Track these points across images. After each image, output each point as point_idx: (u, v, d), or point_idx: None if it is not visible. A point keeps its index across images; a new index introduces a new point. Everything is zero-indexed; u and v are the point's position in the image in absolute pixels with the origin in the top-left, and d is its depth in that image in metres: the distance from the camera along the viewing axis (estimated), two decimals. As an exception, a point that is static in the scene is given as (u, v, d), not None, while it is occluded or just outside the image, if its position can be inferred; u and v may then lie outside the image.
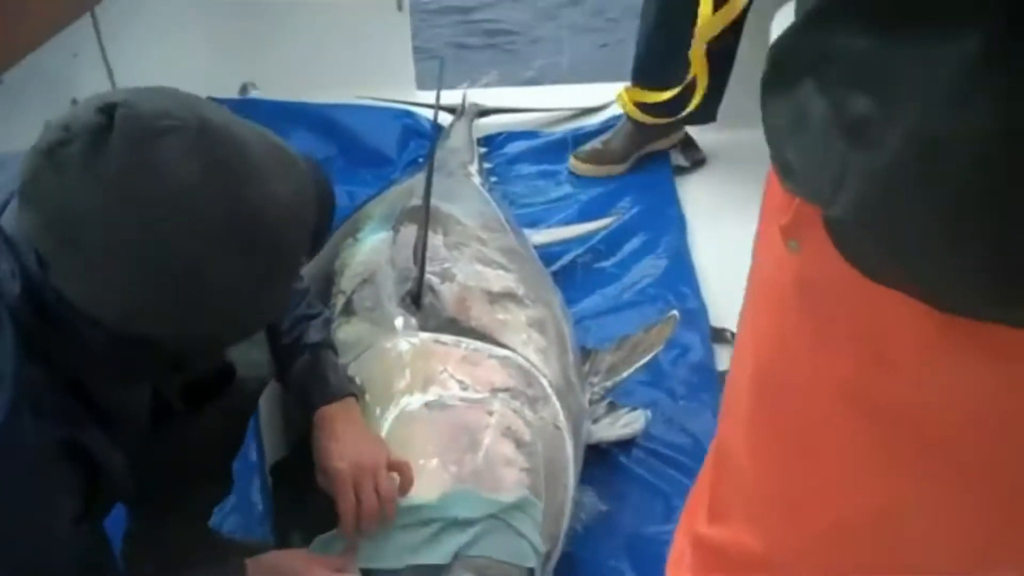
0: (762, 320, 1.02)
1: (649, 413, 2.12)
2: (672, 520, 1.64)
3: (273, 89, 3.31)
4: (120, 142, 1.09)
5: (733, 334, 2.32)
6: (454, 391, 1.68)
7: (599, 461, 2.04)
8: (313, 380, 1.60)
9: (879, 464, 0.93)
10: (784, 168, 0.91)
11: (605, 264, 2.66)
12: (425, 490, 1.54)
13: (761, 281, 1.03)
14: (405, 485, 1.54)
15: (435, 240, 2.04)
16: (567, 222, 2.79)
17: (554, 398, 1.79)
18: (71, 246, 1.12)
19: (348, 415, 1.58)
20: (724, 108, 2.91)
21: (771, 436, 1.02)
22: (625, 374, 2.07)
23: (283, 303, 1.47)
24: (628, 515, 1.99)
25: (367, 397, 1.66)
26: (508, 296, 1.95)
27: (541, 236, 2.59)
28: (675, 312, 2.16)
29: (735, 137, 2.91)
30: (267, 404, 1.80)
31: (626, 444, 2.10)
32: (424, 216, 1.95)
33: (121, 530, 1.73)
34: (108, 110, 1.10)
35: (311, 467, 1.55)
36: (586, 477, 1.91)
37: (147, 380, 1.39)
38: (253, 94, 3.37)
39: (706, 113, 2.86)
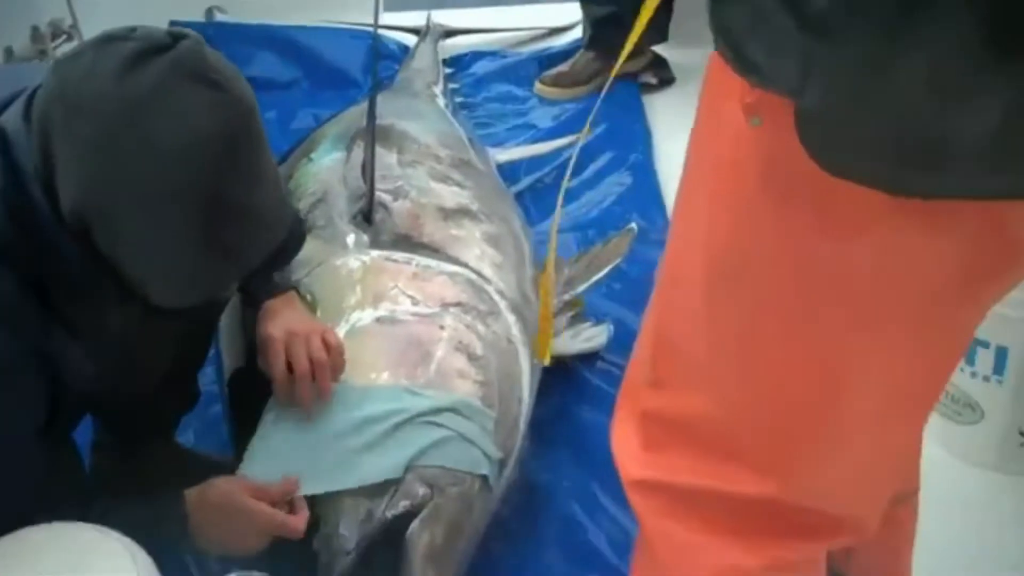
0: (720, 200, 1.03)
1: (611, 327, 2.11)
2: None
3: (238, 12, 3.28)
4: (168, 64, 1.17)
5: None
6: (405, 306, 1.69)
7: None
8: (259, 281, 1.60)
9: (833, 329, 0.98)
10: (746, 66, 0.92)
11: (571, 183, 2.65)
12: (376, 403, 1.56)
13: (713, 162, 1.04)
14: (338, 366, 1.55)
15: (389, 158, 2.03)
16: (534, 142, 2.78)
17: (507, 312, 1.79)
18: (75, 116, 1.18)
19: (288, 303, 1.61)
20: (696, 26, 2.87)
21: (731, 313, 1.04)
22: (582, 287, 2.06)
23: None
24: (589, 431, 1.98)
25: (318, 313, 1.66)
26: (462, 212, 1.95)
27: (505, 154, 2.58)
28: (633, 225, 2.16)
29: (705, 55, 2.90)
30: (227, 319, 1.80)
31: (588, 358, 2.10)
32: (370, 132, 1.93)
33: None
34: (177, 36, 1.20)
35: (267, 378, 1.57)
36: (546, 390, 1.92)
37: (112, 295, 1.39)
38: (219, 17, 3.33)
39: (656, 31, 2.82)
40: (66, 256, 1.25)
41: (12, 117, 1.25)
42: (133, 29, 1.21)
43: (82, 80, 1.19)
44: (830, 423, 1.04)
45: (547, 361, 1.56)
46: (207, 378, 1.87)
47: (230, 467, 1.61)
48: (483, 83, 3.10)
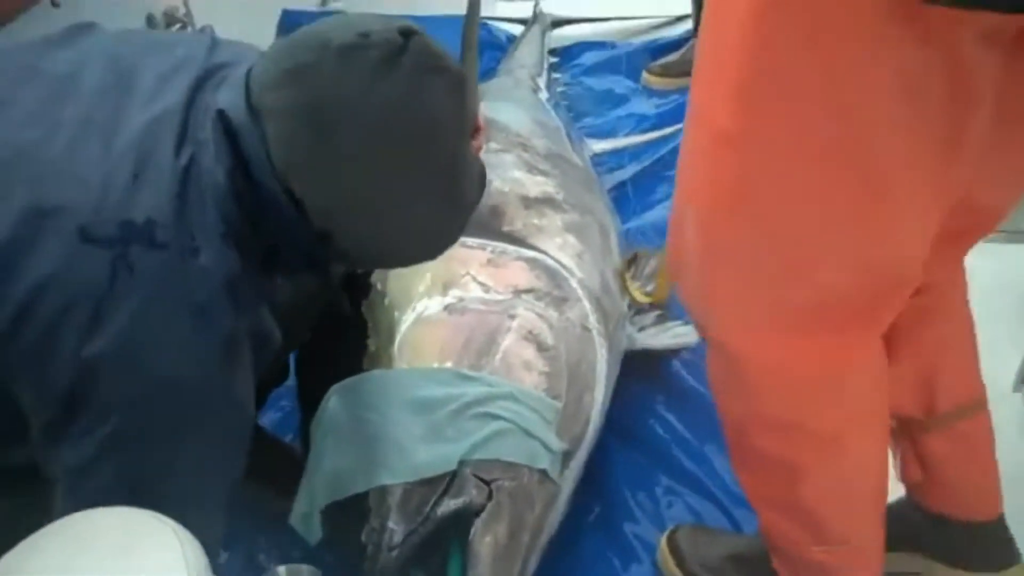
0: (742, 35, 1.07)
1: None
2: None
3: (354, 1, 3.31)
4: (410, 64, 1.24)
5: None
6: (475, 293, 1.66)
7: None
8: None
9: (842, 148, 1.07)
10: None
11: (670, 174, 2.59)
12: (431, 387, 1.54)
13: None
14: None
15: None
16: (636, 132, 2.72)
17: (585, 300, 1.75)
18: (327, 131, 1.23)
19: None
20: None
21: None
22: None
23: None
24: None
25: (386, 301, 1.66)
26: (546, 201, 1.91)
27: (601, 145, 2.54)
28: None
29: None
30: None
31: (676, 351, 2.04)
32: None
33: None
34: (406, 33, 1.25)
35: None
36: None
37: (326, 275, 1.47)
38: (333, 6, 3.38)
39: None
40: (296, 239, 1.31)
41: (234, 108, 1.27)
42: (366, 35, 1.24)
43: (334, 94, 1.23)
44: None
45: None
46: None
47: (298, 457, 1.64)
48: (590, 73, 3.04)
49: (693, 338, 2.02)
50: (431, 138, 1.27)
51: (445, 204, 1.34)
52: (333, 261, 1.39)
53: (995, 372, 1.89)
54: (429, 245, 1.39)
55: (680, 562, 1.67)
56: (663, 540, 1.71)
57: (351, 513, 1.50)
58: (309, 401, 1.66)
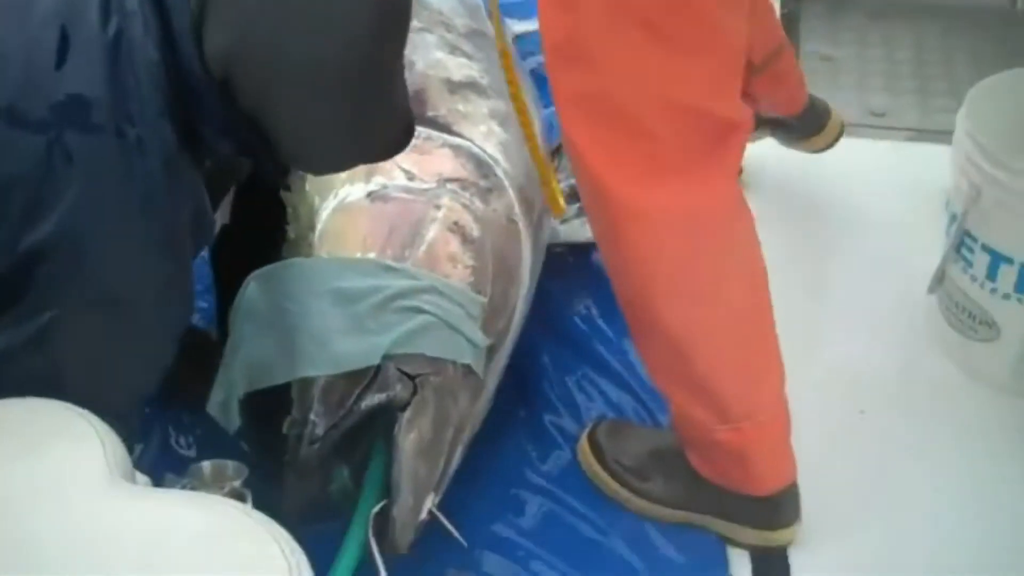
0: None
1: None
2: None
3: None
4: None
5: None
6: (399, 181, 1.61)
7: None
8: None
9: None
10: None
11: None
12: (353, 278, 1.50)
13: None
14: None
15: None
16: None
17: (510, 190, 1.71)
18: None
19: None
20: None
21: None
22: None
23: None
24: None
25: (307, 187, 1.60)
26: (470, 86, 1.85)
27: (522, 26, 2.45)
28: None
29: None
30: None
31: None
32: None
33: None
34: None
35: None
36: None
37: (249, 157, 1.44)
38: None
39: None
40: (210, 110, 1.25)
41: None
42: None
43: None
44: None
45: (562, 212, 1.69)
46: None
47: (212, 341, 1.60)
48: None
49: None
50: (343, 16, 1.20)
51: (348, 100, 1.26)
52: (258, 151, 1.33)
53: (910, 274, 1.93)
54: (323, 144, 1.32)
55: (600, 458, 1.68)
56: (583, 437, 1.72)
57: (269, 402, 1.47)
58: (225, 287, 1.61)
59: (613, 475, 1.66)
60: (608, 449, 1.68)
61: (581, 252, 2.00)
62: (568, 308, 1.95)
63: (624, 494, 1.65)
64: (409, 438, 1.43)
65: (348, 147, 1.33)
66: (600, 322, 1.93)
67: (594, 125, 1.37)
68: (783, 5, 2.72)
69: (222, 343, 1.55)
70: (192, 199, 1.30)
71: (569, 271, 1.99)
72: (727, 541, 1.61)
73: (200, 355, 1.56)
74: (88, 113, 1.16)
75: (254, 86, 1.22)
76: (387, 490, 1.43)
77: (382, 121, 1.33)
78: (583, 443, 1.71)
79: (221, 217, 1.68)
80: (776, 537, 1.59)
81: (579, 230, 1.98)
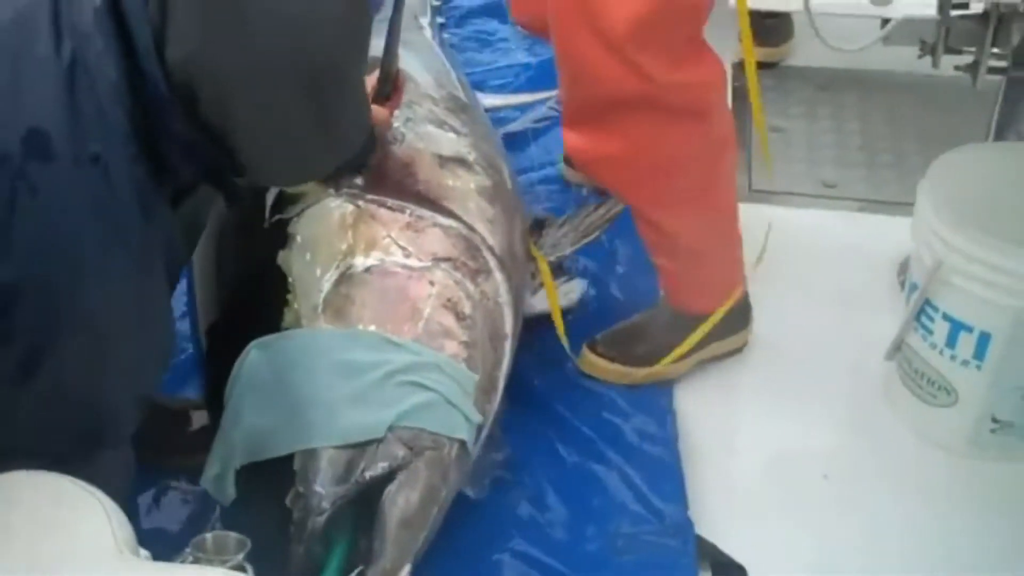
0: None
1: (585, 283, 2.12)
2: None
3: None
4: None
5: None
6: (396, 257, 1.65)
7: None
8: None
9: None
10: None
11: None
12: (359, 351, 1.53)
13: None
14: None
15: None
16: (518, 87, 2.71)
17: (497, 272, 1.76)
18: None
19: None
20: None
21: None
22: (570, 250, 2.06)
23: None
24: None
25: (307, 256, 1.62)
26: (458, 161, 1.89)
27: (493, 99, 2.52)
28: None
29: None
30: (201, 270, 1.76)
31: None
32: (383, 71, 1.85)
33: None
34: None
35: (244, 328, 1.55)
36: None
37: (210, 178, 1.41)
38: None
39: None
40: (173, 128, 1.24)
41: None
42: None
43: None
44: None
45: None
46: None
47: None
48: (469, 17, 3.02)
49: (577, 295, 2.14)
50: (302, 20, 1.22)
51: (304, 110, 1.28)
52: (225, 169, 1.34)
53: (865, 340, 2.01)
54: (279, 154, 1.33)
55: (611, 359, 2.02)
56: (586, 353, 2.02)
57: (267, 475, 1.47)
58: (220, 355, 1.61)
59: (628, 364, 2.00)
60: (614, 353, 1.99)
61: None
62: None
63: (643, 373, 1.99)
64: (396, 506, 1.45)
65: (310, 155, 1.35)
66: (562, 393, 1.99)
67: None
68: (734, 79, 2.82)
69: (211, 411, 1.56)
70: (161, 226, 1.29)
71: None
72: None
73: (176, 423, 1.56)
74: (48, 144, 1.15)
75: (216, 94, 1.22)
76: (363, 556, 1.44)
77: (343, 129, 1.34)
78: (588, 358, 2.01)
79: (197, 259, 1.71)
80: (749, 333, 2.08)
81: (546, 300, 2.04)
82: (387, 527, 1.44)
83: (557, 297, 1.98)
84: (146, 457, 1.44)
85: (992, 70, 2.12)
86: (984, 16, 2.06)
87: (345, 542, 1.48)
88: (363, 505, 1.48)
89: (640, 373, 2.00)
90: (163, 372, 1.36)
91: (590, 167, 1.90)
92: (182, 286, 1.71)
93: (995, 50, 2.08)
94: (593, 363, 2.02)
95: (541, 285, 2.03)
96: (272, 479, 1.47)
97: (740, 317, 2.07)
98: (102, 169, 1.17)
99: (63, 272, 1.17)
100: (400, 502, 1.47)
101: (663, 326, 2.02)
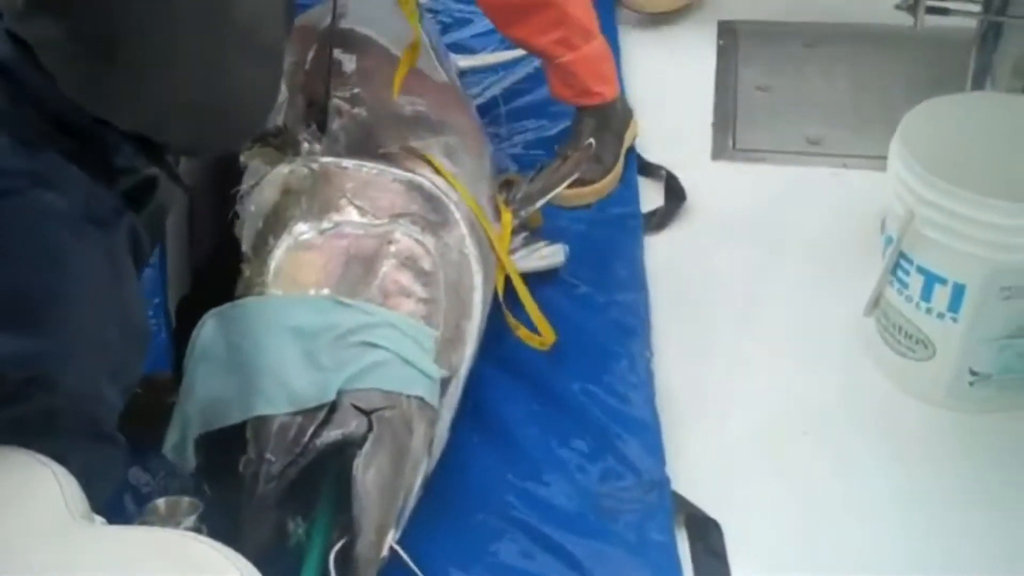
0: None
1: (567, 247, 2.09)
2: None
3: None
4: None
5: (666, 171, 2.32)
6: (351, 217, 1.63)
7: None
8: None
9: None
10: None
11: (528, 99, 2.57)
12: (306, 315, 1.52)
13: None
14: None
15: (348, 64, 1.95)
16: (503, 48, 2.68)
17: (461, 223, 1.74)
18: (108, 53, 1.17)
19: None
20: None
21: None
22: (540, 203, 2.04)
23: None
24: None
25: (259, 224, 1.61)
26: (420, 122, 1.88)
27: (468, 61, 2.50)
28: (592, 141, 2.12)
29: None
30: (171, 239, 1.75)
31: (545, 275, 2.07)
32: (329, 34, 1.85)
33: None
34: None
35: (211, 302, 1.56)
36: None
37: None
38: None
39: None
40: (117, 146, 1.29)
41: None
42: None
43: (94, 13, 1.16)
44: None
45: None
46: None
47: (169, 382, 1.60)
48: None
49: (560, 258, 2.08)
50: (223, 5, 1.22)
51: (258, 66, 1.30)
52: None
53: (847, 297, 1.99)
54: (253, 111, 1.36)
55: None
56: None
57: (226, 442, 1.48)
58: (181, 328, 1.62)
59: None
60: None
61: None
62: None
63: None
64: (368, 475, 1.44)
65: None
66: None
67: None
68: (719, 36, 2.80)
69: (177, 383, 1.56)
70: (118, 219, 1.31)
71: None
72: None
73: (156, 396, 1.57)
74: None
75: None
76: (345, 528, 1.44)
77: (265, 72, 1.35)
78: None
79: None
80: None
81: (525, 259, 2.02)
82: (363, 498, 1.43)
83: (511, 262, 1.94)
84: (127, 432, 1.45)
85: (931, 10, 2.11)
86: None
87: (327, 517, 1.48)
88: (341, 478, 1.47)
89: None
90: (142, 359, 1.38)
91: None
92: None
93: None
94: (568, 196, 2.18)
95: (520, 245, 2.03)
96: (232, 447, 1.47)
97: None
98: (41, 192, 1.21)
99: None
100: (372, 471, 1.46)
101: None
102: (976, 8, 2.07)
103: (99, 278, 1.26)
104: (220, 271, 1.64)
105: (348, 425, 1.46)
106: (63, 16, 1.15)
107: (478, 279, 1.75)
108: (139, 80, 1.20)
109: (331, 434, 1.46)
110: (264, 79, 1.32)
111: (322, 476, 1.49)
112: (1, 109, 1.20)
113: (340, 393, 1.47)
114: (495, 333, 1.86)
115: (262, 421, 1.46)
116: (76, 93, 1.20)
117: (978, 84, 2.14)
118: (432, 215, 1.71)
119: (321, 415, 1.46)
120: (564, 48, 2.21)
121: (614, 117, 2.33)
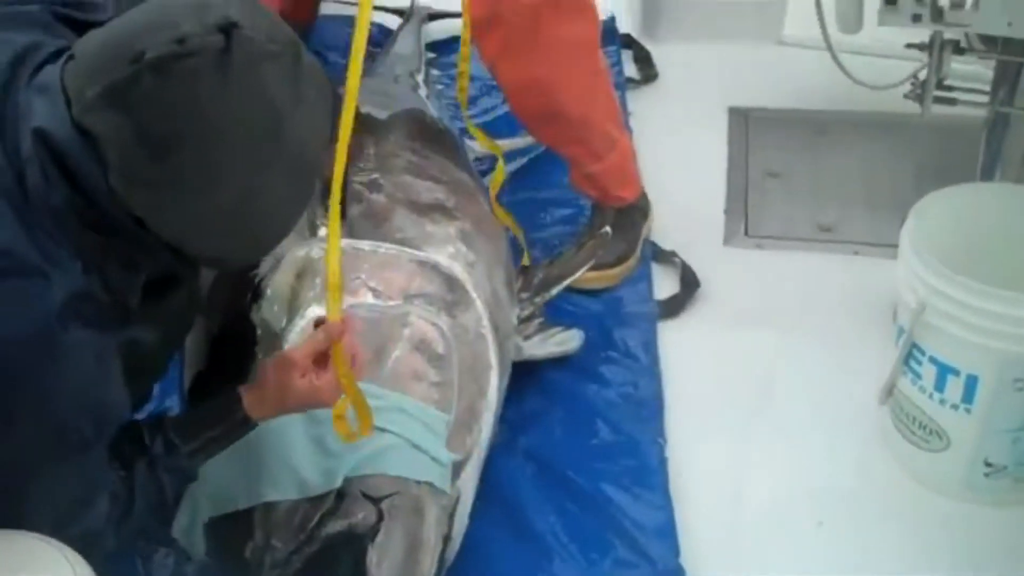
0: None
1: (583, 333, 2.10)
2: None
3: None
4: (239, 62, 1.16)
5: (680, 259, 2.32)
6: (366, 299, 1.64)
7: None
8: None
9: None
10: None
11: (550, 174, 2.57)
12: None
13: None
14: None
15: (367, 149, 1.97)
16: (512, 133, 2.71)
17: (478, 302, 1.74)
18: (163, 154, 1.16)
19: None
20: (676, 22, 2.94)
21: None
22: (556, 289, 2.05)
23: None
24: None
25: (275, 307, 1.62)
26: (437, 208, 1.89)
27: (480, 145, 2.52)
28: (607, 229, 2.13)
29: (689, 51, 2.92)
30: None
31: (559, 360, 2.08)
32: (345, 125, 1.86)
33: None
34: (225, 29, 1.16)
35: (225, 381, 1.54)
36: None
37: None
38: None
39: None
40: (153, 256, 1.28)
41: (56, 128, 1.20)
42: (181, 40, 1.15)
43: (160, 113, 1.17)
44: None
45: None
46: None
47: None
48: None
49: (576, 343, 2.08)
50: (277, 130, 1.22)
51: (297, 187, 1.30)
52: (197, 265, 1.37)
53: (861, 385, 1.98)
54: (284, 229, 1.35)
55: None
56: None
57: (235, 526, 1.47)
58: (195, 402, 1.62)
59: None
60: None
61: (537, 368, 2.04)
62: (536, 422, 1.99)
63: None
64: (382, 567, 1.43)
65: (295, 207, 1.35)
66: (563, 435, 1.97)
67: None
68: (730, 123, 2.82)
69: None
70: (117, 329, 1.30)
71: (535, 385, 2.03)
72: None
73: None
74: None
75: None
76: None
77: (314, 161, 1.33)
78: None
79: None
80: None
81: (540, 346, 2.03)
82: None
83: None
84: None
85: (939, 99, 2.14)
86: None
87: None
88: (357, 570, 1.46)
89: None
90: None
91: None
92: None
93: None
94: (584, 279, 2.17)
95: (536, 331, 2.03)
96: (241, 532, 1.47)
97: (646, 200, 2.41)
98: (45, 283, 1.20)
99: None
100: (385, 564, 1.45)
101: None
102: (983, 99, 2.09)
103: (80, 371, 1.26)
104: (236, 349, 1.65)
105: (355, 515, 1.46)
106: (132, 113, 1.16)
107: (494, 358, 1.74)
108: (182, 188, 1.20)
109: (337, 524, 1.45)
110: (299, 195, 1.31)
111: (337, 566, 1.47)
112: (40, 194, 1.20)
113: (347, 480, 1.47)
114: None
115: (269, 507, 1.46)
116: (125, 190, 1.20)
117: (987, 174, 2.15)
118: (448, 295, 1.72)
119: (328, 502, 1.46)
120: (590, 159, 2.24)
121: (634, 211, 2.34)
